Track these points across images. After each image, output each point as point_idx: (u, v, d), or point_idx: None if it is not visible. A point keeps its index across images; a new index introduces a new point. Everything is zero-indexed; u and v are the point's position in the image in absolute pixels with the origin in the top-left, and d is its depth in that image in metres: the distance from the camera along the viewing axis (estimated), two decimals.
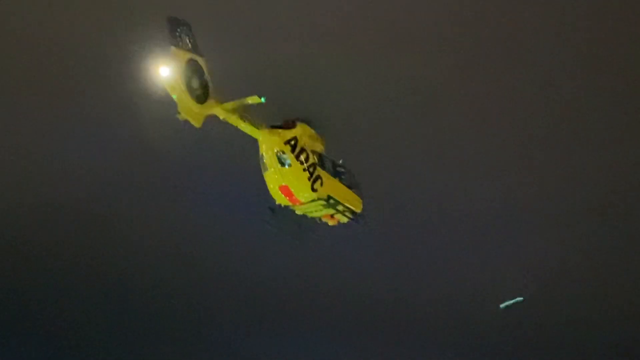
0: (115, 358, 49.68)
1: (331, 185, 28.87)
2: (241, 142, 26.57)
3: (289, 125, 27.88)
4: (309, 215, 30.10)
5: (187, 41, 23.34)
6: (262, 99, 24.38)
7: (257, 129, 26.34)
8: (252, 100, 24.61)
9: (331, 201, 28.43)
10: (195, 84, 23.48)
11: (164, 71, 22.32)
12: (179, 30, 23.14)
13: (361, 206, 31.04)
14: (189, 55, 23.26)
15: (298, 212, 29.64)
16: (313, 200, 28.13)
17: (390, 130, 32.57)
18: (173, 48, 22.87)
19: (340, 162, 30.30)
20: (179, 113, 24.73)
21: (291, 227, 30.36)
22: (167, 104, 23.08)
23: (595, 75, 31.54)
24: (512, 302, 44.02)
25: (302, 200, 28.07)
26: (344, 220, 30.32)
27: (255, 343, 48.35)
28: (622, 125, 33.37)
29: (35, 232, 38.91)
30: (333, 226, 31.24)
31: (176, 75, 22.60)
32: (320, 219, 30.51)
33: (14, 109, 29.88)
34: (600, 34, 29.99)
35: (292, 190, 27.54)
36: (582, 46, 30.38)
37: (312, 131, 28.66)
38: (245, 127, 25.90)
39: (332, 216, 30.44)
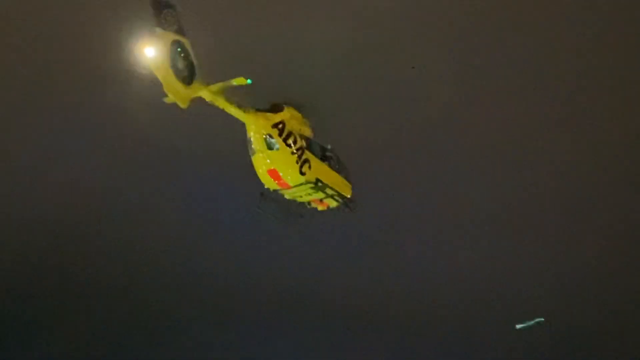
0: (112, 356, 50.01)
1: (320, 170, 28.98)
2: (228, 127, 26.76)
3: (276, 108, 27.88)
4: (298, 200, 30.39)
5: (173, 22, 23.47)
6: (248, 81, 24.37)
7: (244, 112, 26.35)
8: (238, 82, 24.56)
9: (319, 184, 28.45)
10: (181, 65, 23.44)
11: (149, 52, 22.32)
12: (164, 11, 23.22)
13: (350, 191, 31.17)
14: (174, 37, 23.30)
15: (287, 196, 29.77)
16: (302, 184, 28.31)
17: (379, 114, 32.66)
18: (158, 29, 22.95)
19: (329, 147, 30.53)
20: (166, 96, 25.37)
21: (280, 212, 30.55)
22: (154, 86, 23.22)
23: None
24: (531, 323, 44.51)
25: (291, 184, 28.17)
26: (334, 204, 30.47)
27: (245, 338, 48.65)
28: None
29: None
30: (322, 211, 32.00)
31: (161, 56, 22.70)
32: (309, 204, 30.89)
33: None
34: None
35: (281, 173, 27.65)
36: None
37: (300, 115, 28.96)
38: (232, 110, 25.93)
39: (321, 200, 30.63)
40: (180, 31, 23.60)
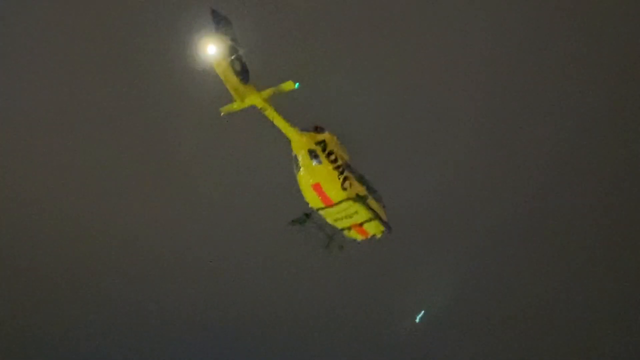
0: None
1: (359, 189, 30.27)
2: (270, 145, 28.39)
3: (317, 130, 29.97)
4: (339, 225, 31.66)
5: (229, 34, 25.78)
6: (296, 85, 26.27)
7: (291, 127, 28.37)
8: (287, 86, 26.78)
9: (361, 199, 29.66)
10: (237, 67, 25.70)
11: (211, 49, 24.56)
12: (221, 23, 25.62)
13: (385, 215, 32.58)
14: (231, 43, 25.56)
15: (329, 219, 31.24)
16: (343, 200, 29.66)
17: (410, 146, 34.21)
18: (218, 34, 25.33)
19: (363, 175, 32.10)
20: (221, 110, 27.28)
21: (322, 236, 31.86)
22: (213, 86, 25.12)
23: None
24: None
25: (333, 199, 29.62)
26: (372, 230, 31.54)
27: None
28: None
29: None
30: (361, 241, 32.97)
31: (221, 54, 25.01)
32: (349, 230, 31.91)
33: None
34: None
35: (324, 188, 29.31)
36: None
37: (338, 141, 30.68)
38: (280, 123, 28.00)
39: (361, 225, 31.92)
40: (235, 41, 25.74)
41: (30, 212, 38.93)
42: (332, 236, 31.49)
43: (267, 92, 27.09)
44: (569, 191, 39.41)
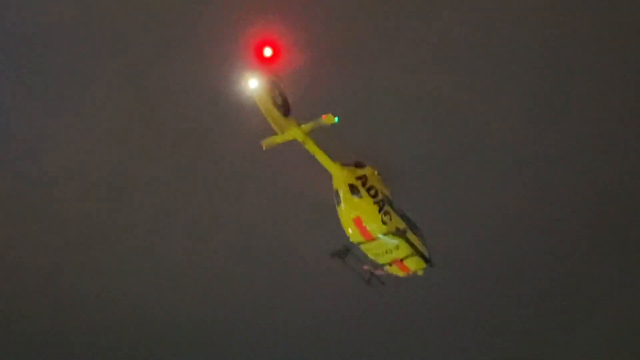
0: None
1: (399, 223, 30.28)
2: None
3: (358, 164, 30.30)
4: (380, 261, 31.54)
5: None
6: (336, 119, 26.65)
7: (332, 161, 28.71)
8: (327, 120, 26.98)
9: (401, 232, 29.72)
10: (278, 100, 26.19)
11: (253, 83, 25.07)
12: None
13: (427, 251, 32.70)
14: (271, 76, 26.10)
15: (370, 254, 31.37)
16: (384, 235, 29.88)
17: (454, 182, 34.38)
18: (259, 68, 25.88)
19: (404, 210, 32.26)
20: (262, 142, 27.77)
21: (364, 272, 32.00)
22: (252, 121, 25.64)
23: None
24: None
25: (373, 233, 29.63)
26: (415, 267, 31.53)
27: None
28: None
29: None
30: (403, 278, 33.08)
31: (262, 88, 25.49)
32: (390, 266, 32.01)
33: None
34: None
35: (364, 222, 29.31)
36: None
37: (379, 176, 30.97)
38: (321, 157, 28.26)
39: (402, 261, 32.00)
40: (277, 75, 26.32)
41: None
42: (374, 271, 31.88)
43: (308, 126, 27.25)
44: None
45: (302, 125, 27.25)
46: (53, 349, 42.83)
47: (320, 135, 27.11)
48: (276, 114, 26.24)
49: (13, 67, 34.61)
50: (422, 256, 31.28)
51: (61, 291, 40.69)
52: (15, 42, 34.03)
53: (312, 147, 27.73)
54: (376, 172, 30.43)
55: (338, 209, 29.24)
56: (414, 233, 31.68)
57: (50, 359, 43.06)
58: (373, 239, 29.61)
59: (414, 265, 31.26)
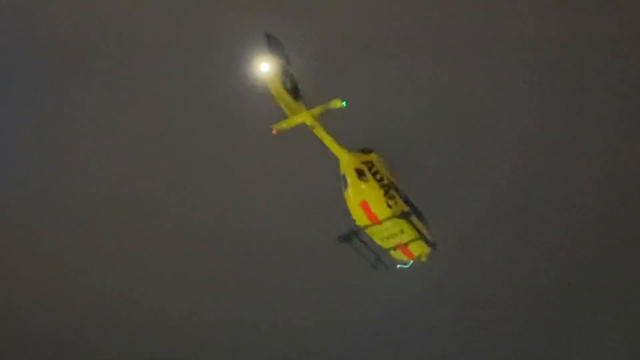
0: None
1: (404, 207, 31.07)
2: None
3: (365, 150, 31.17)
4: (385, 245, 32.27)
5: (281, 55, 27.56)
6: (344, 103, 27.54)
7: (339, 145, 29.62)
8: (334, 104, 28.01)
9: (405, 215, 30.53)
10: (289, 85, 27.16)
11: (264, 67, 26.09)
12: (274, 45, 27.29)
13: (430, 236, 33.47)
14: (282, 62, 27.11)
15: (376, 238, 32.04)
16: (389, 218, 30.62)
17: (461, 168, 34.99)
18: (271, 54, 27.17)
19: (408, 196, 33.05)
20: (273, 126, 28.64)
21: (370, 255, 32.79)
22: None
23: None
24: None
25: (380, 217, 30.58)
26: (419, 251, 32.22)
27: None
28: None
29: None
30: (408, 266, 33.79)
31: (273, 72, 26.55)
32: (395, 250, 32.79)
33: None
34: None
35: (370, 205, 30.41)
36: None
37: (385, 161, 31.83)
38: (329, 142, 29.17)
39: (406, 246, 32.78)
40: (287, 61, 27.49)
41: None
42: (380, 255, 32.65)
43: (317, 109, 28.25)
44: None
45: (311, 110, 28.31)
46: (53, 349, 43.35)
47: (328, 123, 27.94)
48: (287, 97, 27.31)
49: (13, 66, 35.28)
50: (427, 241, 32.19)
51: (61, 291, 41.12)
52: (14, 42, 34.74)
53: (320, 132, 28.69)
54: (383, 158, 31.80)
55: (345, 193, 30.14)
56: (419, 219, 32.73)
57: (50, 359, 43.54)
58: (379, 222, 30.62)
59: (419, 249, 32.00)
